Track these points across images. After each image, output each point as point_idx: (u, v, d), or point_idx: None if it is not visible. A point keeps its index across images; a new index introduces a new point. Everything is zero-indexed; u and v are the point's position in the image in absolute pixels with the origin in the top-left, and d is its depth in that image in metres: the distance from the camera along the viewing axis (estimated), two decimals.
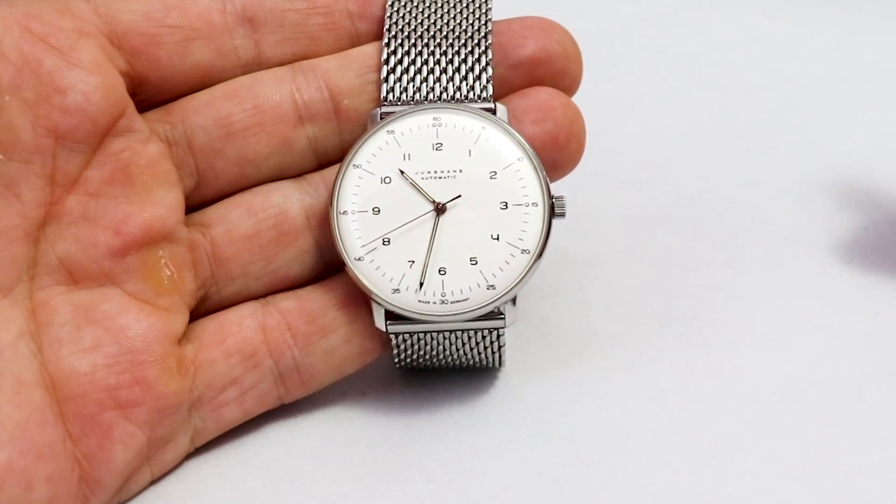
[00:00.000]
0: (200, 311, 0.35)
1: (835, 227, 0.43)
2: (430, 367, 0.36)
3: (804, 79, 0.52)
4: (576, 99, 0.36)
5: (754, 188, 0.45)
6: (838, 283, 0.41)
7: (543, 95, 0.35)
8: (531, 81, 0.35)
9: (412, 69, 0.35)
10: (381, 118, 0.35)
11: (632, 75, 0.52)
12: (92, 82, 0.32)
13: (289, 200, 0.35)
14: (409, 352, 0.35)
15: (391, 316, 0.34)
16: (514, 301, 0.34)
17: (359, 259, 0.34)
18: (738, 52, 0.54)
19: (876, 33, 0.54)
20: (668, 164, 0.46)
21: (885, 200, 0.45)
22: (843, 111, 0.44)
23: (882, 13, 0.56)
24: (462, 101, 0.35)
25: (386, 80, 0.35)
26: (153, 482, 0.33)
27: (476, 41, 0.35)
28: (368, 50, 0.36)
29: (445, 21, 0.36)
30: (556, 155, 0.35)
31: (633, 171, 0.46)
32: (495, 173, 0.34)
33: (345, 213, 0.34)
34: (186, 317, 0.34)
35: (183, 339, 0.34)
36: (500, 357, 0.36)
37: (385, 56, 0.35)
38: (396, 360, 0.35)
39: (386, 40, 0.35)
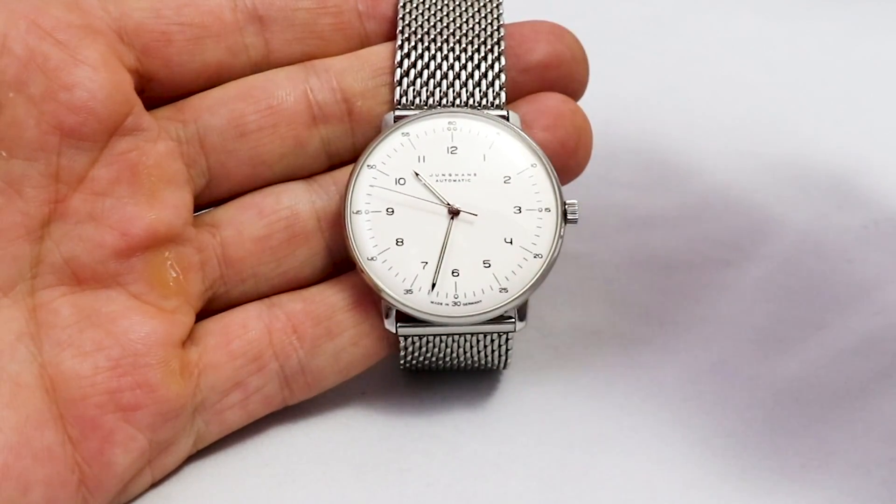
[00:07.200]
0: (207, 312, 0.35)
1: (835, 226, 0.43)
2: (435, 369, 0.36)
3: (804, 78, 0.52)
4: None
5: (754, 187, 0.45)
6: (838, 282, 0.41)
7: (553, 101, 0.35)
8: (541, 85, 0.35)
9: (426, 73, 0.35)
10: (395, 121, 0.35)
11: (632, 76, 0.52)
12: (98, 79, 0.32)
13: (300, 202, 0.35)
14: (416, 354, 0.35)
15: (401, 318, 0.34)
16: (525, 305, 0.34)
17: (371, 259, 0.34)
18: (739, 52, 0.54)
19: (876, 33, 0.54)
20: (668, 164, 0.46)
21: (886, 199, 0.45)
22: (843, 110, 0.44)
23: (882, 13, 0.56)
24: (475, 108, 0.35)
25: (399, 83, 0.35)
26: (153, 483, 0.33)
27: (489, 47, 0.35)
28: (381, 51, 0.35)
29: (458, 25, 0.36)
30: (564, 161, 0.35)
31: (634, 171, 0.46)
32: (509, 178, 0.34)
33: (358, 212, 0.34)
34: (191, 319, 0.34)
35: (187, 341, 0.33)
36: (506, 359, 0.36)
37: (399, 59, 0.35)
38: (402, 361, 0.35)
39: (399, 42, 0.35)
